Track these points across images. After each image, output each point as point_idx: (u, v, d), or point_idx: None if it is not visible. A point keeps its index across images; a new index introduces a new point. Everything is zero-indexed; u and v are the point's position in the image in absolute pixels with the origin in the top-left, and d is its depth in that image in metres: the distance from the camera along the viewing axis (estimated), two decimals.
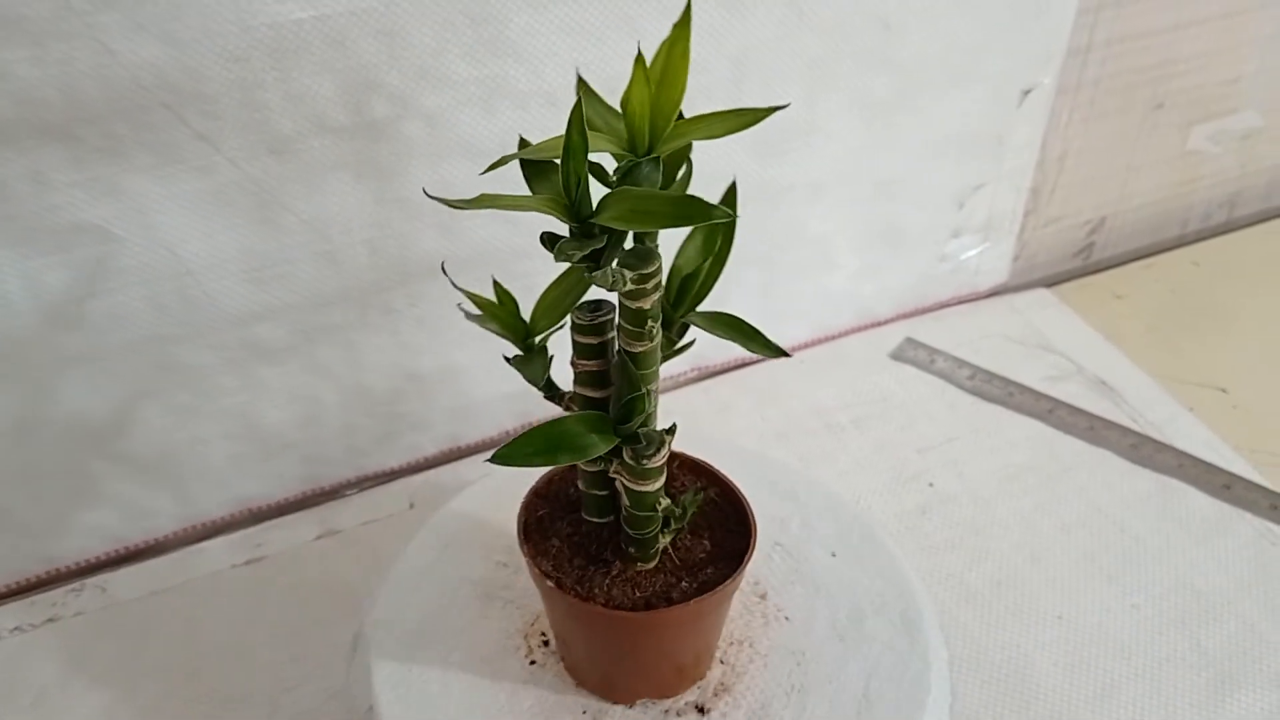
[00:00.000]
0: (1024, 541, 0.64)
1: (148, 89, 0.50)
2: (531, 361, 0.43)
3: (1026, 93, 0.74)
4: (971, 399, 0.74)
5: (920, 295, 0.82)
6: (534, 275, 0.64)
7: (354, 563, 0.63)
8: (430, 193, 0.39)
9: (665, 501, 0.44)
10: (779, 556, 0.54)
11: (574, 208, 0.36)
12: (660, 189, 0.37)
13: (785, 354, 0.40)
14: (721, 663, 0.49)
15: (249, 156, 0.54)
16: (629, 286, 0.38)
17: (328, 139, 0.55)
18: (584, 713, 0.48)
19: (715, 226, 0.41)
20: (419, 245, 0.61)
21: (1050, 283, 0.87)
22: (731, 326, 0.42)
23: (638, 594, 0.45)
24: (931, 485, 0.68)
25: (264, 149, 0.54)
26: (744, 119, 0.36)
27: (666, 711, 0.48)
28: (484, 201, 0.35)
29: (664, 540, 0.46)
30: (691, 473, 0.50)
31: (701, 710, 0.47)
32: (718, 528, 0.47)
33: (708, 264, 0.41)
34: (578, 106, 0.34)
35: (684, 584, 0.45)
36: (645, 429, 0.42)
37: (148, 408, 0.60)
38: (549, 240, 0.36)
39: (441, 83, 0.55)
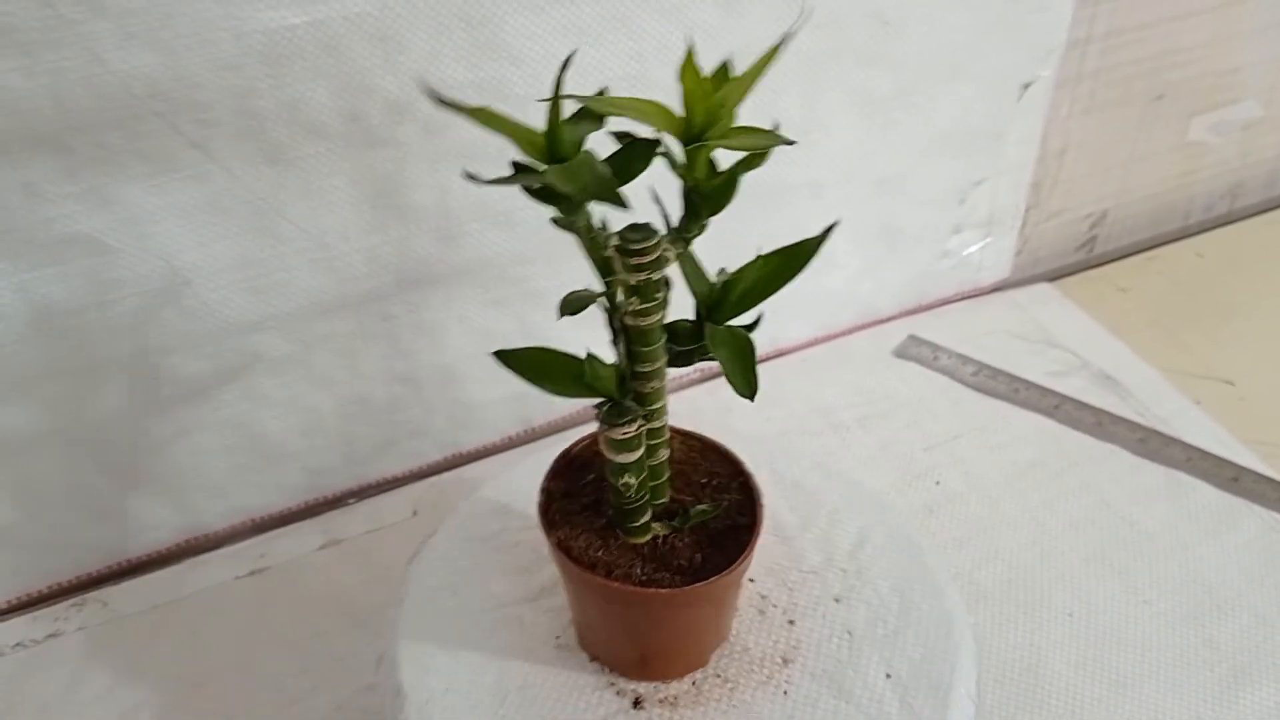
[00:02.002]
0: (1033, 539, 0.63)
1: (140, 98, 0.49)
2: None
3: (1026, 86, 0.73)
4: (976, 395, 0.74)
5: (922, 292, 0.82)
6: (533, 279, 0.64)
7: (358, 572, 0.63)
8: (423, 88, 0.38)
9: (626, 479, 0.44)
10: (838, 644, 0.49)
11: (549, 149, 0.37)
12: (699, 183, 0.37)
13: (750, 398, 0.40)
14: (693, 684, 0.48)
15: (244, 164, 0.53)
16: (608, 250, 0.38)
17: (323, 145, 0.54)
18: (556, 637, 0.50)
19: (794, 255, 0.40)
20: (417, 252, 0.60)
21: (1053, 277, 0.86)
22: (734, 350, 0.40)
23: (595, 553, 0.45)
24: (938, 483, 0.67)
25: (259, 157, 0.53)
26: (765, 139, 0.35)
27: (611, 684, 0.48)
28: (480, 114, 0.36)
29: (657, 530, 0.46)
30: (742, 494, 0.47)
31: (638, 704, 0.47)
32: (722, 554, 0.45)
33: (747, 279, 0.40)
34: (566, 61, 0.36)
35: (635, 570, 0.45)
36: (622, 402, 0.42)
37: (146, 420, 0.59)
38: (512, 166, 0.38)
39: (438, 87, 0.55)
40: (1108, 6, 0.73)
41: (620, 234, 0.38)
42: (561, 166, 0.36)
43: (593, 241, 0.39)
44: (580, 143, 0.37)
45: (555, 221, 0.39)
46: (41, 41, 0.46)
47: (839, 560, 0.52)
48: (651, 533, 0.46)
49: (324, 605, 0.61)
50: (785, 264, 0.40)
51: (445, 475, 0.69)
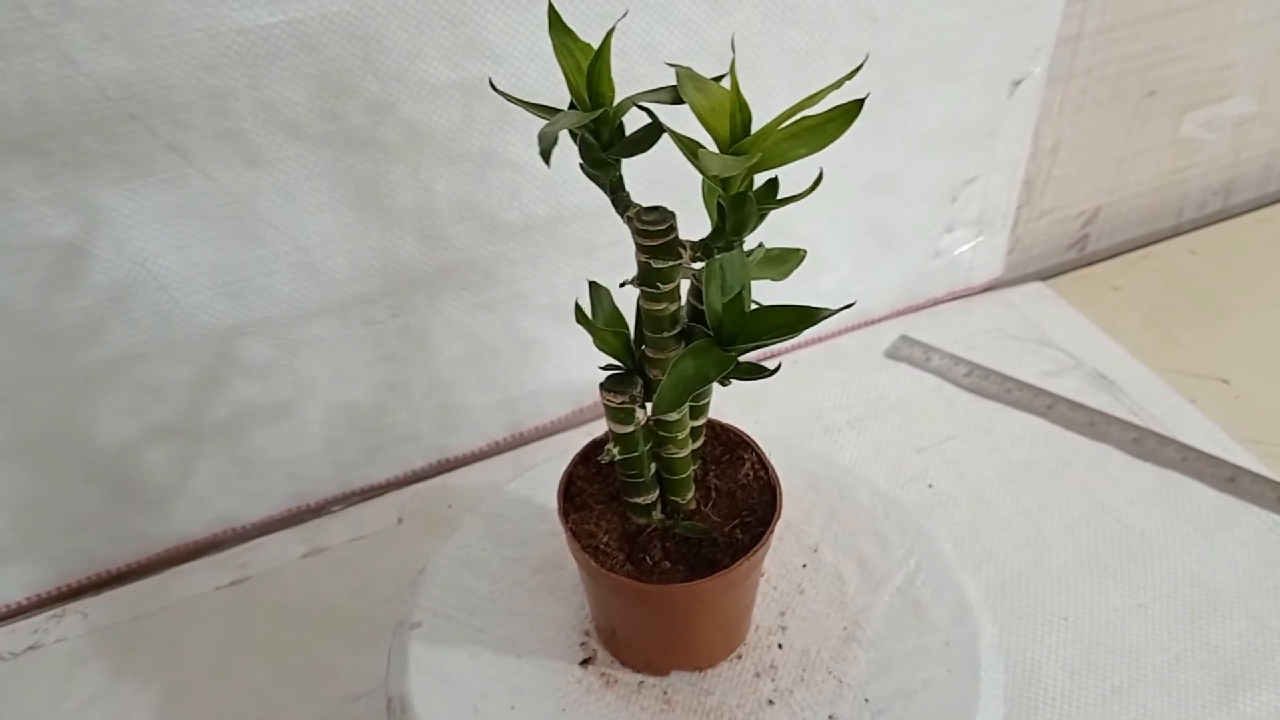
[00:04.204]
0: (1026, 542, 0.62)
1: (114, 100, 0.48)
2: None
3: (1017, 83, 0.72)
4: (969, 396, 0.73)
5: (914, 292, 0.81)
6: (520, 281, 0.63)
7: (342, 581, 0.62)
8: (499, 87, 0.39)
9: (610, 446, 0.44)
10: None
11: (589, 96, 0.38)
12: (723, 196, 0.37)
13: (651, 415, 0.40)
14: (639, 684, 0.48)
15: (222, 167, 0.52)
16: (624, 217, 0.38)
17: (303, 147, 0.53)
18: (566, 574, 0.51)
19: (803, 315, 0.39)
20: (400, 254, 0.59)
21: (1045, 276, 0.86)
22: (680, 375, 0.38)
23: (590, 501, 0.47)
24: (931, 486, 0.66)
25: (238, 159, 0.52)
26: (727, 165, 0.35)
27: (586, 635, 0.50)
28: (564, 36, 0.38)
29: (656, 519, 0.46)
30: (750, 544, 0.45)
31: (586, 663, 0.49)
32: (682, 577, 0.44)
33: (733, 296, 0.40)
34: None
35: (599, 537, 0.45)
36: (628, 373, 0.42)
37: (125, 427, 0.58)
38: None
39: (419, 87, 0.54)
40: (1098, 2, 0.72)
41: (639, 208, 0.38)
42: (562, 113, 0.37)
43: (615, 200, 0.39)
44: (622, 108, 0.37)
45: (581, 167, 0.39)
46: (12, 44, 0.45)
47: (874, 690, 0.47)
48: (649, 519, 0.46)
49: (306, 615, 0.60)
50: (796, 320, 0.39)
51: (431, 482, 0.68)
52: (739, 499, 0.47)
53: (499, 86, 0.55)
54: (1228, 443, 0.69)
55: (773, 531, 0.45)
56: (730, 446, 0.49)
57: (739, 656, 0.49)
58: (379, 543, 0.64)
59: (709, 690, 0.48)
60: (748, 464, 0.48)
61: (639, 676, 0.48)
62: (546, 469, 0.56)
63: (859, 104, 0.34)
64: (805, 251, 0.45)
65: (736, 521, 0.46)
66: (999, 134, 0.75)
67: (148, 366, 0.57)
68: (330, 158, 0.54)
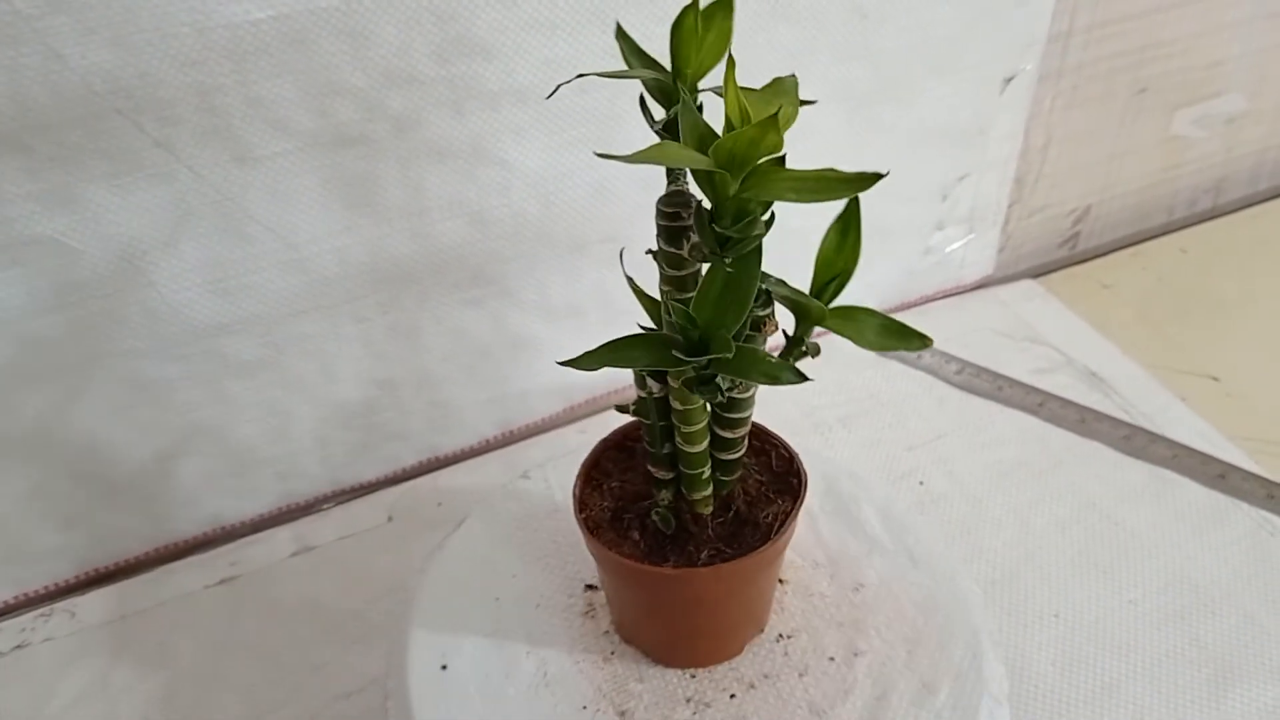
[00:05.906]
0: (1017, 539, 0.62)
1: (100, 95, 0.48)
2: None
3: (1008, 80, 0.72)
4: (960, 394, 0.73)
5: (905, 289, 0.81)
6: (509, 278, 0.63)
7: (332, 580, 0.61)
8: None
9: (633, 404, 0.44)
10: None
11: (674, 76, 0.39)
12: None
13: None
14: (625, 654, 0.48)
15: (210, 163, 0.52)
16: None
17: (292, 144, 0.53)
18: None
19: (766, 368, 0.39)
20: (389, 251, 0.59)
21: (1036, 274, 0.86)
22: (638, 359, 0.37)
23: (613, 467, 0.47)
24: (922, 483, 0.66)
25: (226, 155, 0.52)
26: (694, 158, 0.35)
27: (593, 590, 0.50)
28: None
29: (663, 495, 0.45)
30: (712, 559, 0.44)
31: (589, 613, 0.49)
32: (649, 562, 0.44)
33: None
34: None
35: (602, 501, 0.46)
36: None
37: (112, 425, 0.58)
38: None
39: (408, 83, 0.54)
40: None
41: (675, 186, 0.38)
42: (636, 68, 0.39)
43: (668, 172, 0.39)
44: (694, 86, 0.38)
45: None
46: None
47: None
48: (658, 495, 0.45)
49: (296, 614, 0.59)
50: (756, 367, 0.39)
51: (421, 480, 0.68)
52: (744, 533, 0.44)
53: (493, 83, 0.55)
54: (1218, 440, 0.69)
55: (710, 572, 0.43)
56: (781, 483, 0.46)
57: (692, 675, 0.47)
58: (369, 541, 0.64)
59: (640, 678, 0.47)
60: (775, 506, 0.45)
61: (633, 647, 0.48)
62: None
63: (876, 176, 0.33)
64: (931, 340, 0.42)
65: (719, 548, 0.44)
66: (990, 131, 0.75)
67: (136, 364, 0.56)
68: (319, 154, 0.54)
